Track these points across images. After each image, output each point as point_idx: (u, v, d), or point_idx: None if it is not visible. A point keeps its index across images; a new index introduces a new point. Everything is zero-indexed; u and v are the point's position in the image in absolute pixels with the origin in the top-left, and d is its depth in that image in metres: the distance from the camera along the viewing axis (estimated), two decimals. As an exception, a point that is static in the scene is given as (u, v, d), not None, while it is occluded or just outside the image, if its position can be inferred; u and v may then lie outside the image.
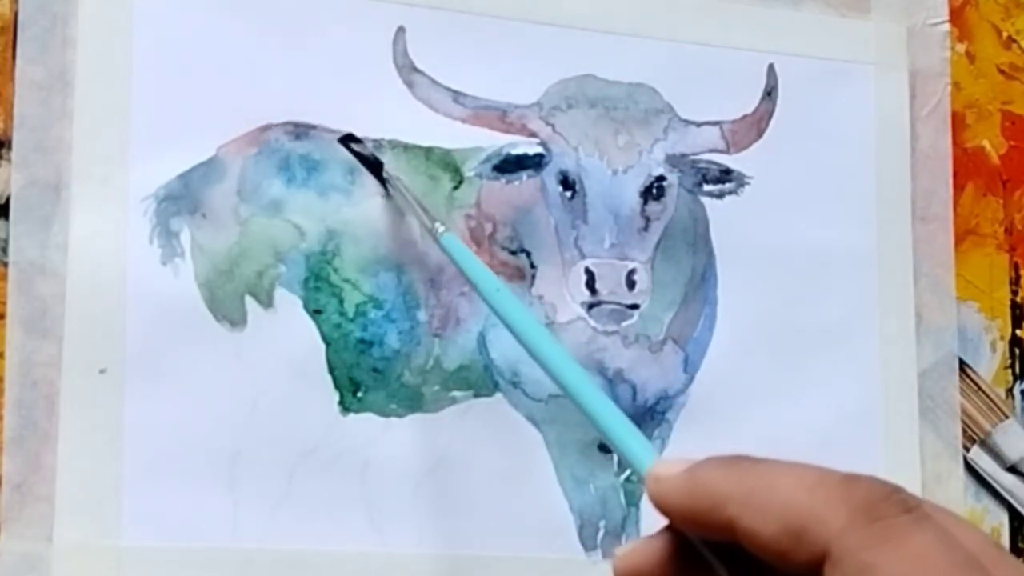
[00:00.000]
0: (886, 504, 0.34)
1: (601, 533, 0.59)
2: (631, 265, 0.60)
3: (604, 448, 0.60)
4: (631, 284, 0.60)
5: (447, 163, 0.59)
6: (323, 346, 0.56)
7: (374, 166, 0.57)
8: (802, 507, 0.34)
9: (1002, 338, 0.67)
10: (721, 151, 0.63)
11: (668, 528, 0.38)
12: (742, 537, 0.35)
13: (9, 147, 0.54)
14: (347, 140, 0.57)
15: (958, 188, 0.67)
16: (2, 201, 0.54)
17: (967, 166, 0.68)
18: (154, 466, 0.54)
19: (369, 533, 0.56)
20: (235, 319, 0.56)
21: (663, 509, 0.37)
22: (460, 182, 0.59)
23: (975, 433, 0.66)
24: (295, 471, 0.55)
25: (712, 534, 0.36)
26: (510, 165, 0.60)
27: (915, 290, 0.65)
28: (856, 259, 0.65)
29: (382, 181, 0.57)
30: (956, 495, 0.65)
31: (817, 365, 0.63)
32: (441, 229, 0.54)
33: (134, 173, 0.55)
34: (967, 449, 0.66)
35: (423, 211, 0.56)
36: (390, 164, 0.58)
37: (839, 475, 0.35)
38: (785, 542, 0.34)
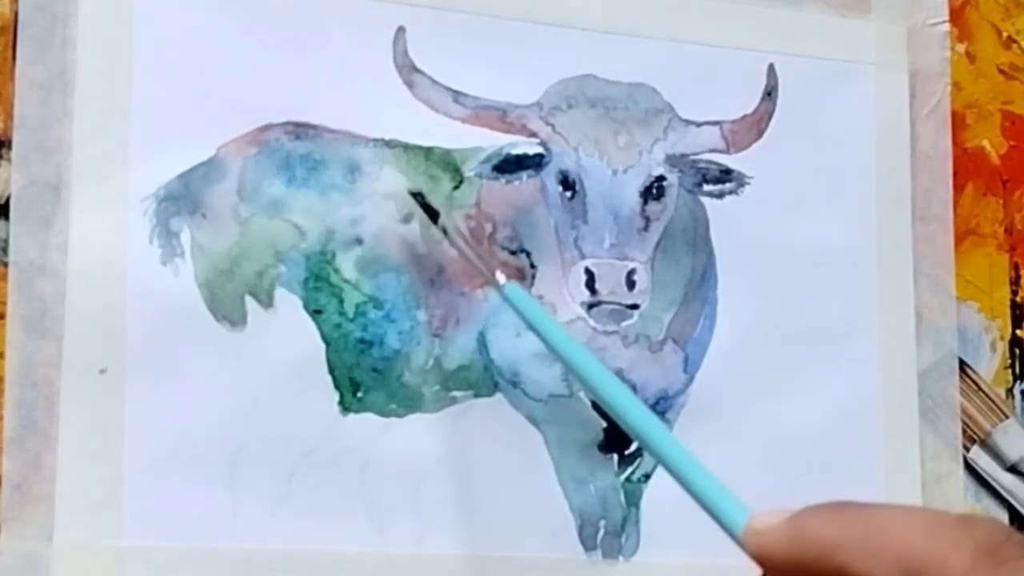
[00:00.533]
0: (1009, 545, 0.33)
1: (601, 533, 0.59)
2: (631, 265, 0.60)
3: (604, 448, 0.60)
4: (631, 284, 0.60)
5: (447, 163, 0.59)
6: (323, 346, 0.56)
7: (432, 214, 0.57)
8: (921, 549, 0.33)
9: (1002, 338, 0.67)
10: (721, 151, 0.63)
11: None
12: None
13: (9, 147, 0.54)
14: (415, 194, 0.57)
15: (958, 188, 0.67)
16: (2, 201, 0.54)
17: (967, 166, 0.68)
18: (154, 466, 0.54)
19: (369, 533, 0.56)
20: (235, 319, 0.55)
21: (765, 563, 0.36)
22: (460, 182, 0.59)
23: (975, 433, 0.66)
24: (295, 471, 0.55)
25: None
26: (510, 165, 0.59)
27: (915, 290, 0.65)
28: (856, 259, 0.65)
29: (442, 230, 0.57)
30: (956, 495, 0.65)
31: (817, 365, 0.63)
32: (502, 280, 0.54)
33: (134, 173, 0.55)
34: (967, 449, 0.66)
35: (482, 261, 0.55)
36: (390, 164, 0.58)
37: (954, 516, 0.34)
38: None
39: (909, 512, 0.35)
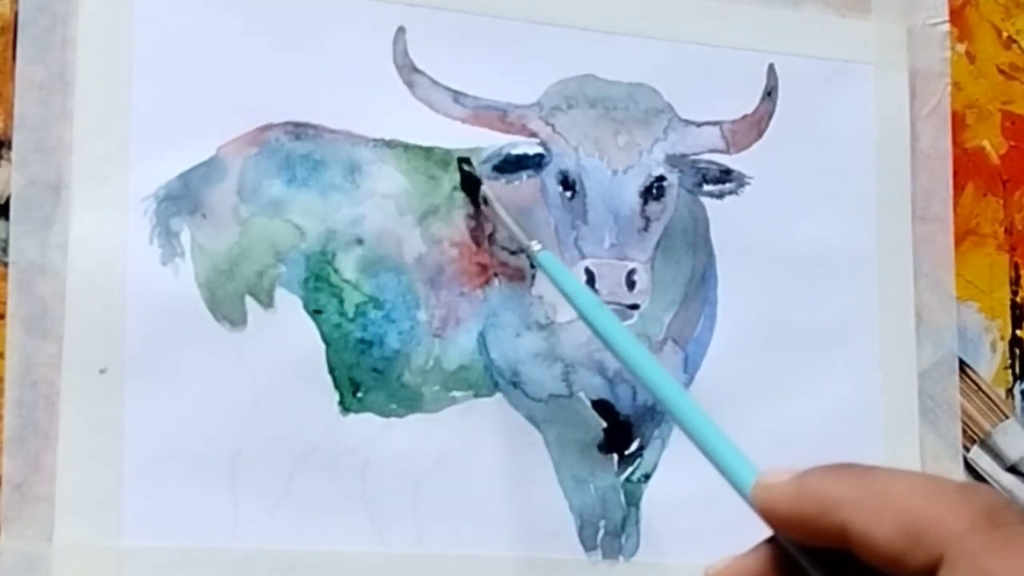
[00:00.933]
0: (1007, 512, 0.34)
1: (601, 533, 0.59)
2: (631, 265, 0.60)
3: (604, 448, 0.60)
4: (631, 284, 0.59)
5: (447, 163, 0.59)
6: (323, 346, 0.56)
7: (472, 185, 0.58)
8: (920, 510, 0.34)
9: (1002, 338, 0.67)
10: (721, 151, 0.63)
11: (765, 542, 0.38)
12: (854, 540, 0.35)
13: (9, 147, 0.54)
14: (462, 160, 0.59)
15: (958, 188, 0.67)
16: (2, 201, 0.54)
17: (967, 166, 0.68)
18: (154, 466, 0.54)
19: (369, 533, 0.56)
20: (235, 319, 0.56)
21: (770, 516, 0.37)
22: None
23: (975, 433, 0.66)
24: (295, 471, 0.55)
25: (820, 540, 0.36)
26: (510, 165, 0.59)
27: (915, 290, 0.65)
28: (856, 259, 0.65)
29: (476, 199, 0.58)
30: (956, 495, 0.65)
31: (817, 365, 0.63)
32: (536, 247, 0.56)
33: (134, 173, 0.55)
34: (967, 449, 0.66)
35: (519, 229, 0.57)
36: (390, 164, 0.58)
37: (955, 483, 0.35)
38: (900, 544, 0.34)
39: (912, 476, 0.35)
